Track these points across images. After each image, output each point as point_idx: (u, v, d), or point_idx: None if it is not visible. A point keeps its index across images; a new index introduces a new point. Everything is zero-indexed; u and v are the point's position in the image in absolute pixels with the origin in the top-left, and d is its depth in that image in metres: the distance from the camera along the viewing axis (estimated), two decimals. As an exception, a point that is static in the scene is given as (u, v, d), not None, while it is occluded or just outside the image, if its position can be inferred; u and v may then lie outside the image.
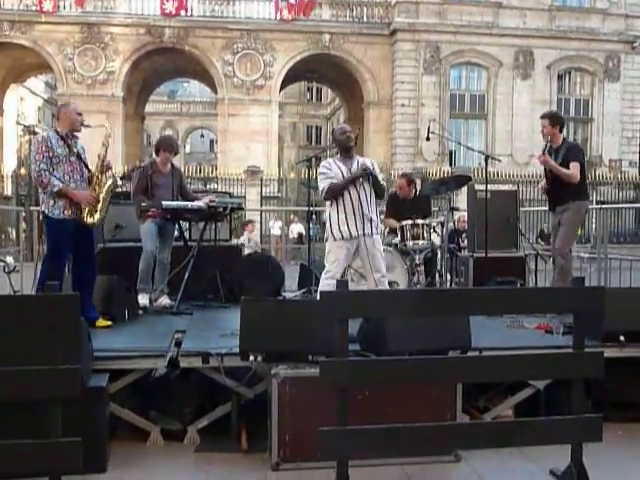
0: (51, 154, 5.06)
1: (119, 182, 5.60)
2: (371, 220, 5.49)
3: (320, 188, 5.52)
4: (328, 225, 5.58)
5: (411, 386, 3.83)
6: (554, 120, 6.52)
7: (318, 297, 4.55)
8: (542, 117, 6.57)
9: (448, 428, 3.49)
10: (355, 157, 5.62)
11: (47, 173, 5.03)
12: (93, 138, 5.73)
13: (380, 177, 5.61)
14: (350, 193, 5.47)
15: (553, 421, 3.42)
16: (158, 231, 6.59)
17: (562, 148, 6.35)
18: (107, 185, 5.31)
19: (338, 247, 5.50)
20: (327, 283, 5.31)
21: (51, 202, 5.12)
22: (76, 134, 5.30)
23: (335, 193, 5.48)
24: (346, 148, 5.58)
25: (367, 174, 5.42)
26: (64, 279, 5.31)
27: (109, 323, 5.39)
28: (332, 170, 5.50)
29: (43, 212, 5.18)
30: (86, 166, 5.29)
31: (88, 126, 5.35)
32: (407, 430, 3.20)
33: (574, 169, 6.22)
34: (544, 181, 6.57)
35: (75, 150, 5.21)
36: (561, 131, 6.50)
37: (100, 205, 5.22)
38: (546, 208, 6.80)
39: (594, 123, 31.79)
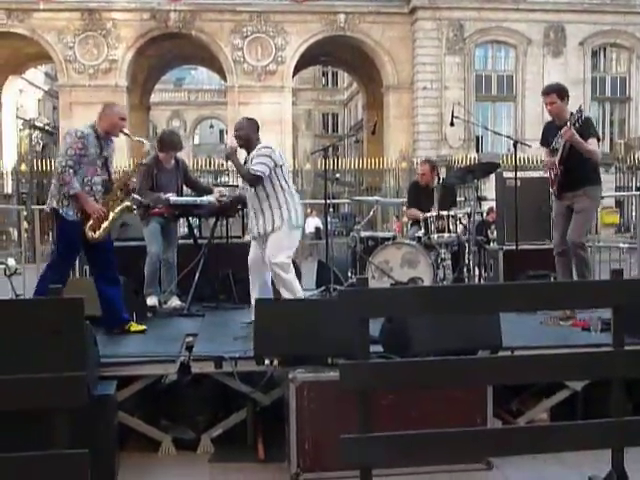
0: (84, 152, 5.03)
1: (134, 208, 5.59)
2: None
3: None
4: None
5: (438, 389, 3.82)
6: (563, 92, 5.98)
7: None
8: (547, 92, 5.97)
9: (478, 434, 3.47)
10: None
11: (72, 172, 4.99)
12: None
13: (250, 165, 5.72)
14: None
15: (592, 425, 3.39)
16: (161, 230, 6.62)
17: (570, 123, 5.73)
18: (122, 205, 5.22)
19: None
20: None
21: (65, 202, 5.07)
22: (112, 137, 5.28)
23: None
24: None
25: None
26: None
27: (143, 327, 5.40)
28: None
29: (55, 209, 5.09)
30: (109, 174, 5.24)
31: (127, 135, 5.38)
32: (434, 437, 3.18)
33: (594, 146, 5.81)
34: (548, 159, 6.11)
35: (105, 153, 5.18)
36: (567, 104, 6.00)
37: (107, 224, 5.13)
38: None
39: (632, 102, 31.49)
